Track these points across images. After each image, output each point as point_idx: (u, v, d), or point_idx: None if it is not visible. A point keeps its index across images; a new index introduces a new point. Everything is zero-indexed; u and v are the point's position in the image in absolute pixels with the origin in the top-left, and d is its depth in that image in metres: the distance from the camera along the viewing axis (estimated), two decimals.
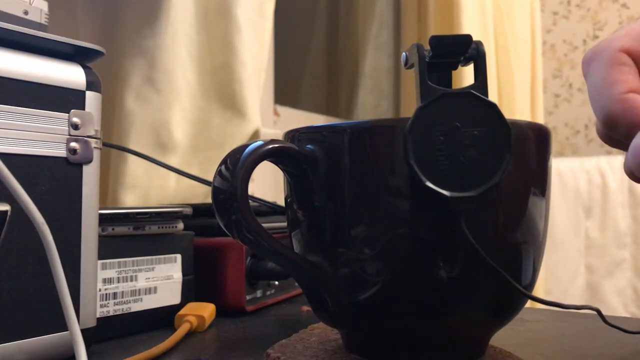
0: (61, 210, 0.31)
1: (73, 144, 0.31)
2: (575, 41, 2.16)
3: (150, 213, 0.39)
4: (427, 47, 0.26)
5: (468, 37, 0.25)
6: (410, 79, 1.37)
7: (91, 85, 0.32)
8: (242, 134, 0.72)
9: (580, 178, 1.60)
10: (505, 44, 1.48)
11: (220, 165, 0.26)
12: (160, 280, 0.40)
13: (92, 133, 0.32)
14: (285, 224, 0.31)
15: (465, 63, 0.26)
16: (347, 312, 0.28)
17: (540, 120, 1.62)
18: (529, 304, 0.31)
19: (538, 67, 1.62)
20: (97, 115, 0.33)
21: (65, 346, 0.30)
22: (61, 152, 0.31)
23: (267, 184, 0.85)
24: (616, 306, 1.54)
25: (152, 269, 0.39)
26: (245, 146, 0.26)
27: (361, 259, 0.26)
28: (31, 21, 0.32)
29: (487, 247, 0.25)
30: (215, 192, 0.26)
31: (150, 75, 0.66)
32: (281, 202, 0.35)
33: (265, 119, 0.94)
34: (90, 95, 0.32)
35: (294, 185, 0.29)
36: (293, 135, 0.29)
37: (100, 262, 0.36)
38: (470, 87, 0.25)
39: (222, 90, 0.72)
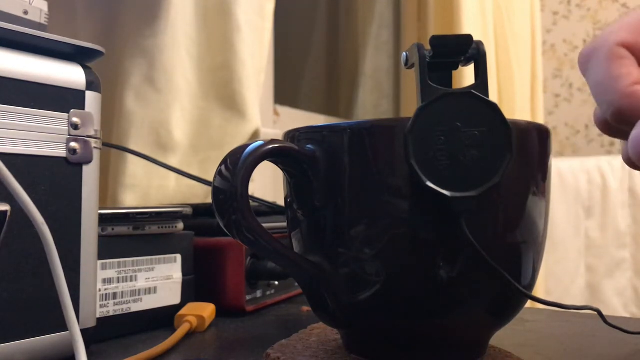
0: (61, 210, 0.30)
1: (73, 144, 0.31)
2: (576, 41, 2.15)
3: (150, 213, 0.39)
4: (428, 47, 0.26)
5: (469, 37, 0.26)
6: (411, 79, 1.37)
7: (91, 85, 0.32)
8: (242, 134, 0.71)
9: (580, 178, 1.60)
10: (506, 44, 1.48)
11: (220, 165, 0.26)
12: (160, 281, 0.40)
13: (92, 133, 0.32)
14: (285, 224, 0.31)
15: (466, 63, 0.27)
16: (347, 312, 0.28)
17: (540, 120, 1.62)
18: (529, 304, 0.31)
19: (538, 67, 1.62)
20: (97, 115, 0.33)
21: (65, 346, 0.30)
22: (61, 152, 0.31)
23: (267, 184, 0.85)
24: (616, 306, 1.54)
25: (152, 269, 0.39)
26: (245, 146, 0.26)
27: (361, 259, 0.26)
28: (31, 21, 0.32)
29: (487, 247, 0.25)
30: (215, 192, 0.26)
31: (150, 75, 0.66)
32: (281, 202, 0.35)
33: (265, 119, 0.94)
34: (90, 95, 0.32)
35: (294, 185, 0.29)
36: (293, 135, 0.29)
37: (100, 262, 0.36)
38: (471, 87, 0.25)
39: (222, 90, 0.72)
